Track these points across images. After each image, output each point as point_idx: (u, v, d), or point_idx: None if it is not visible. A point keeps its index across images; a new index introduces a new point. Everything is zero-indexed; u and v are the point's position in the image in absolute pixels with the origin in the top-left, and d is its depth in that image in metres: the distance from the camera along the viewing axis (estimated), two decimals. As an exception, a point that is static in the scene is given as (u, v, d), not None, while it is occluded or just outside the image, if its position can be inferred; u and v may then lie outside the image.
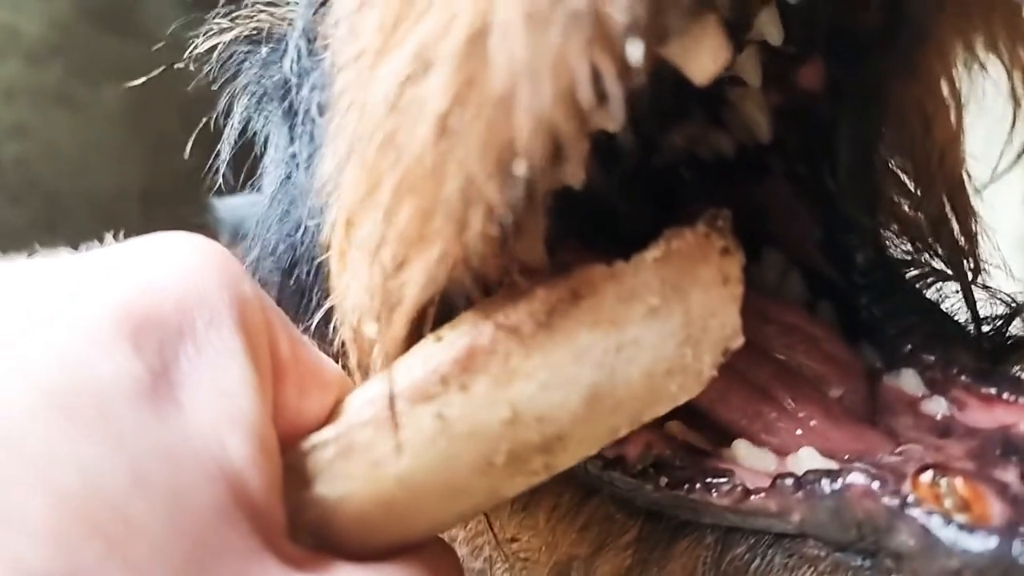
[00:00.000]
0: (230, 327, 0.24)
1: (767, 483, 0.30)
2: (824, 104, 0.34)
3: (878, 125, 0.36)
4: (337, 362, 0.36)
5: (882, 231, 0.38)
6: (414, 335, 0.26)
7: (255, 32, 0.44)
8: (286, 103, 0.42)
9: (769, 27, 0.26)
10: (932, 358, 0.33)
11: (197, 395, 0.23)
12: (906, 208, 0.37)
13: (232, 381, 0.23)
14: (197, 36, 0.47)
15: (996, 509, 0.25)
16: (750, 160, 0.37)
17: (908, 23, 0.30)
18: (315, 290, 0.37)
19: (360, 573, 0.24)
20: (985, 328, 0.36)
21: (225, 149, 0.46)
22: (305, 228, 0.38)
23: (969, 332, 0.36)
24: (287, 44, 0.40)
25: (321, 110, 0.34)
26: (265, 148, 0.46)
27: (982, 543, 0.24)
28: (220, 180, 0.47)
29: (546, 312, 0.25)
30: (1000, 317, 0.36)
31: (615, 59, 0.20)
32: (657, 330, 0.25)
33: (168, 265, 0.25)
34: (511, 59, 0.21)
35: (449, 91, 0.22)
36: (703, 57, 0.23)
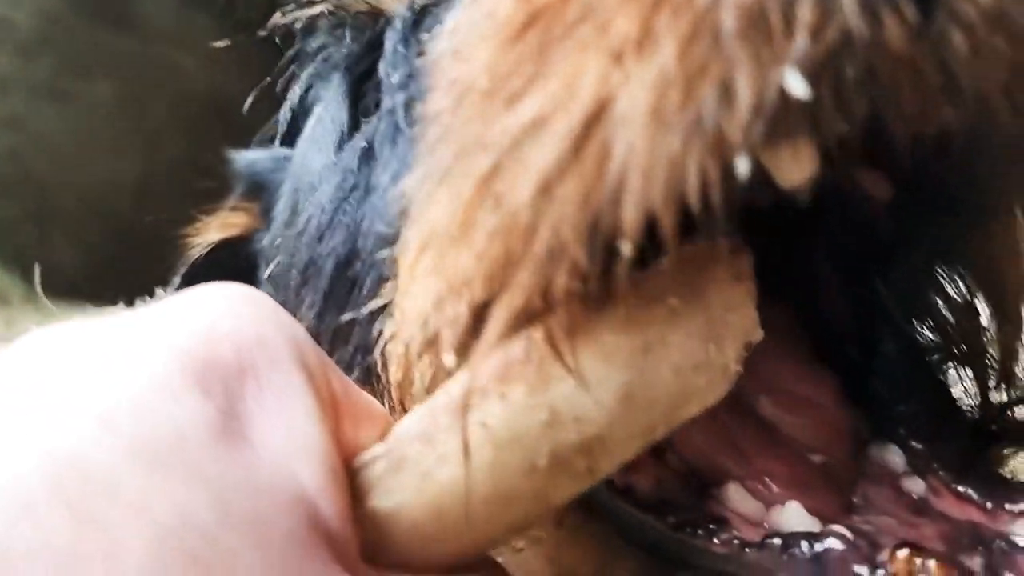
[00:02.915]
0: (290, 364, 0.26)
1: (759, 538, 0.32)
2: (886, 215, 0.36)
3: (940, 253, 0.37)
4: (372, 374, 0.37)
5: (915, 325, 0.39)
6: None
7: (338, 10, 0.45)
8: (352, 78, 0.44)
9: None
10: (920, 446, 0.36)
11: (266, 430, 0.24)
12: (944, 312, 0.39)
13: (297, 414, 0.25)
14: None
15: None
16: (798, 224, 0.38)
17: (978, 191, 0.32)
18: (368, 283, 0.39)
19: None
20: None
21: (285, 112, 0.48)
22: (371, 227, 0.39)
23: (968, 420, 0.38)
24: (382, 39, 0.42)
25: (410, 120, 0.35)
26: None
27: None
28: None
29: (573, 322, 0.26)
30: (1011, 402, 0.38)
31: (722, 168, 0.22)
32: (681, 329, 0.26)
33: (223, 313, 0.26)
34: (629, 149, 0.23)
35: (559, 160, 0.24)
36: (796, 171, 0.25)
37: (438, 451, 0.26)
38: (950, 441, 0.36)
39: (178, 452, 0.22)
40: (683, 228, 0.27)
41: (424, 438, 0.26)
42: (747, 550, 0.31)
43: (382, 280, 0.36)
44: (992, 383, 0.39)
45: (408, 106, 0.36)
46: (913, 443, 0.36)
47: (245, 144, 0.67)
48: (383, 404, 0.36)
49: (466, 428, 0.26)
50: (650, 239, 0.26)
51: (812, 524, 0.32)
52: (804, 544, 0.30)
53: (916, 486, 0.35)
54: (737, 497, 0.34)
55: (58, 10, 1.29)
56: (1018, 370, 0.39)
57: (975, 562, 0.29)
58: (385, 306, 0.35)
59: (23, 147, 1.28)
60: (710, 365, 0.27)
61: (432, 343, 0.30)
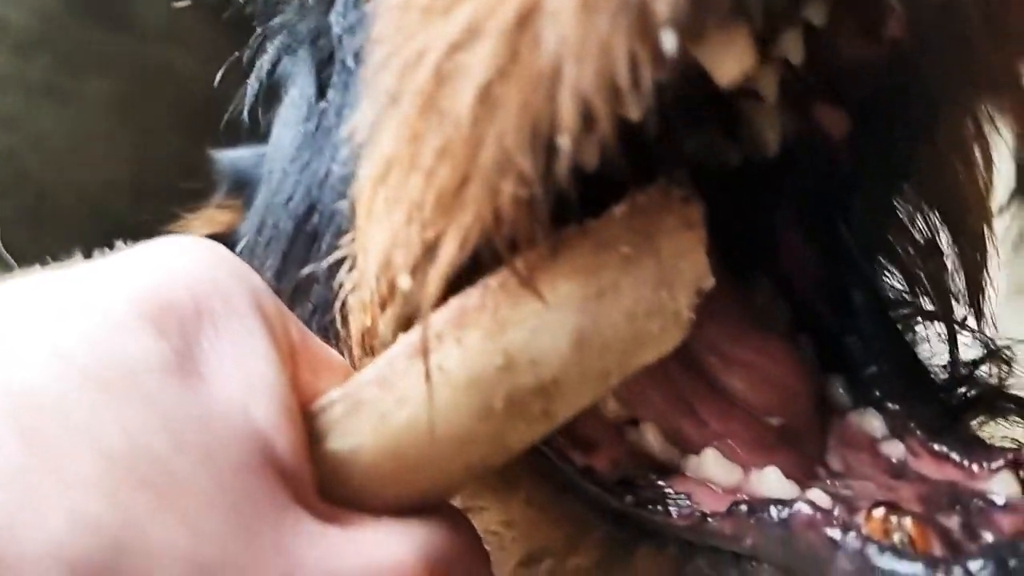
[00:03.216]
0: (246, 310, 0.26)
1: (724, 506, 0.32)
2: (844, 154, 0.37)
3: (897, 180, 0.38)
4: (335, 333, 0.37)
5: (881, 270, 0.40)
6: (446, 295, 0.27)
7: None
8: (317, 50, 0.44)
9: (791, 46, 0.28)
10: (897, 408, 0.36)
11: (220, 369, 0.25)
12: (910, 253, 0.39)
13: (253, 355, 0.26)
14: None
15: (937, 550, 0.27)
16: (764, 186, 0.39)
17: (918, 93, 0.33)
18: (327, 237, 0.39)
19: (385, 526, 0.26)
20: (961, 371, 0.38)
21: (252, 87, 0.48)
22: (327, 175, 0.39)
23: (937, 382, 0.38)
24: None
25: (357, 59, 0.35)
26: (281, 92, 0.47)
27: (909, 568, 0.27)
28: (245, 118, 0.48)
29: (528, 269, 0.27)
30: (976, 361, 0.39)
31: (652, 49, 0.22)
32: (633, 275, 0.27)
33: (180, 261, 0.27)
34: (560, 39, 0.22)
35: (494, 63, 0.24)
36: (729, 61, 0.25)
37: (395, 394, 0.26)
38: (924, 402, 0.37)
39: (130, 384, 0.23)
40: (636, 176, 0.27)
41: (381, 382, 0.27)
42: (709, 520, 0.31)
43: (341, 233, 0.35)
44: (959, 328, 0.38)
45: (358, 51, 0.35)
46: (889, 404, 0.37)
47: (239, 142, 0.67)
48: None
49: (428, 363, 0.26)
50: (601, 189, 0.27)
51: (790, 488, 0.32)
52: (773, 509, 0.30)
53: (894, 450, 0.35)
54: (713, 463, 0.35)
55: (54, 9, 1.29)
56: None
57: (952, 521, 0.29)
58: (344, 260, 0.35)
59: (19, 147, 1.27)
60: (663, 311, 0.27)
61: (394, 286, 0.30)
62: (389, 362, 0.27)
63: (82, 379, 0.23)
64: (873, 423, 0.36)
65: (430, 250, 0.27)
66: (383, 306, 0.32)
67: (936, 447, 0.34)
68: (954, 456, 0.33)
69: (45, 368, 0.23)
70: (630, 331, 0.27)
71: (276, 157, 0.49)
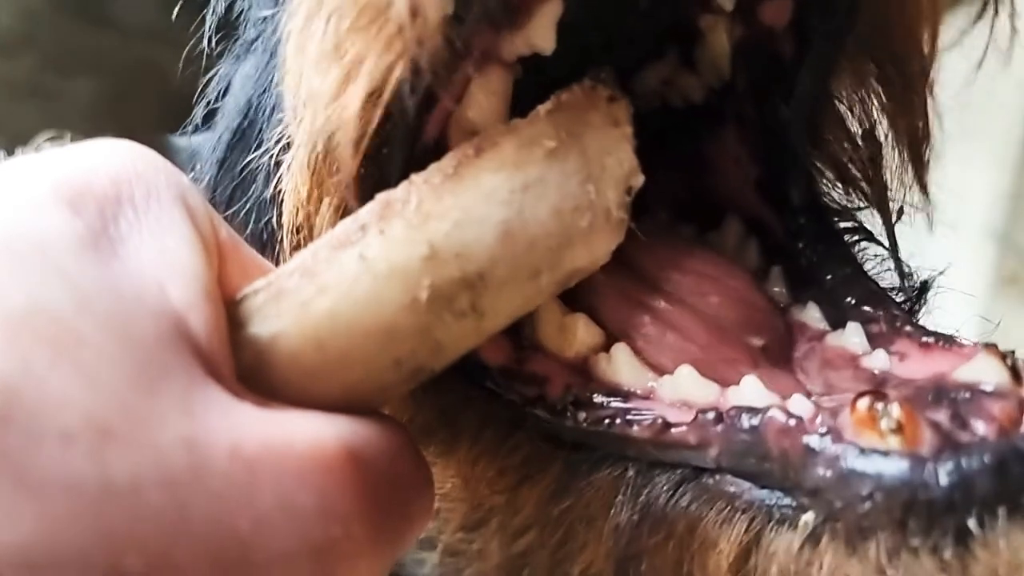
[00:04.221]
0: (170, 200, 0.26)
1: (689, 418, 0.30)
2: (784, 41, 0.35)
3: (835, 58, 0.36)
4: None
5: (816, 174, 0.39)
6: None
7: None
8: None
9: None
10: (878, 312, 0.34)
11: (137, 249, 0.24)
12: (843, 151, 0.39)
13: (172, 240, 0.25)
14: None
15: (927, 436, 0.25)
16: (705, 113, 0.39)
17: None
18: (265, 132, 0.37)
19: (308, 412, 0.25)
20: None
21: (211, 18, 0.46)
22: (268, 64, 0.38)
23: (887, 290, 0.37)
24: None
25: None
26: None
27: (893, 466, 0.25)
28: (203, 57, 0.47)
29: (453, 165, 0.26)
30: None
31: None
32: (558, 169, 0.27)
33: (106, 155, 0.26)
34: None
35: None
36: None
37: (317, 283, 0.26)
38: (894, 302, 0.35)
39: (38, 254, 0.22)
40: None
41: (303, 271, 0.26)
42: (672, 429, 0.30)
43: (279, 124, 0.34)
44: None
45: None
46: (870, 309, 0.35)
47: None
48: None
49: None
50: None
51: (769, 397, 0.30)
52: (744, 417, 0.29)
53: (876, 361, 0.33)
54: (689, 380, 0.32)
55: (38, 8, 1.29)
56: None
57: (940, 414, 0.27)
58: (281, 159, 0.33)
59: (4, 146, 1.27)
60: (591, 207, 0.27)
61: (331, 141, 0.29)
62: (312, 252, 0.26)
63: None
64: (853, 339, 0.34)
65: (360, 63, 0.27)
66: (318, 190, 0.30)
67: (924, 339, 0.32)
68: (942, 344, 0.31)
69: None
70: (558, 226, 0.27)
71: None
